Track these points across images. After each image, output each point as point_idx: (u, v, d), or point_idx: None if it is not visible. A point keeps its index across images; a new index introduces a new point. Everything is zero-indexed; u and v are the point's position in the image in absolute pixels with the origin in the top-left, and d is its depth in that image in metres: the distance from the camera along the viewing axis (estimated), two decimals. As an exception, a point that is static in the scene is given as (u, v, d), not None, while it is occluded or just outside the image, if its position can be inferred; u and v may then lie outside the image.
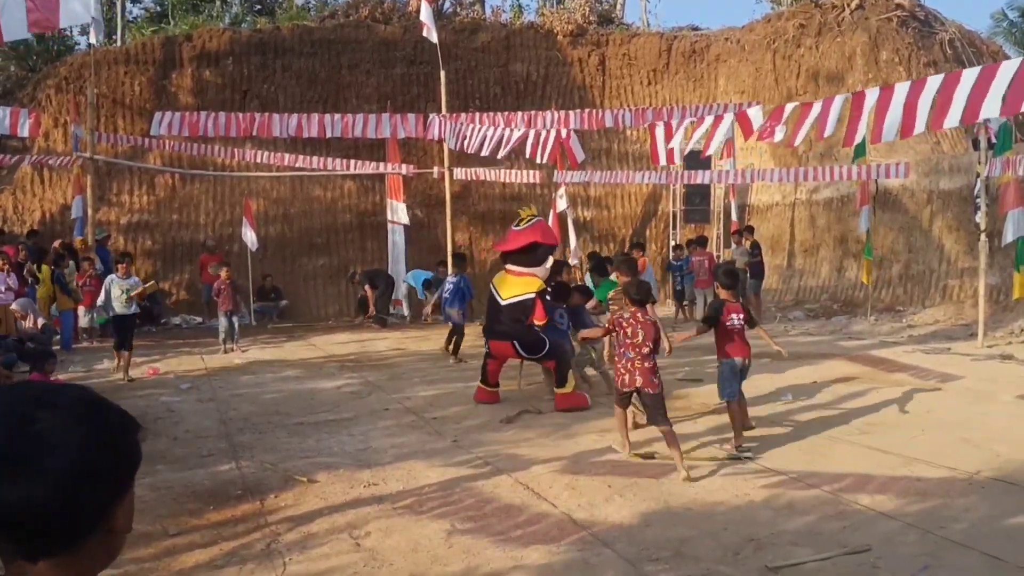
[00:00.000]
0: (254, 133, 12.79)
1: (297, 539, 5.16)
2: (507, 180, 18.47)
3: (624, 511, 5.47)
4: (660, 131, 8.63)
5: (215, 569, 4.75)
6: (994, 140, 12.01)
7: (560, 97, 21.84)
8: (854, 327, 15.21)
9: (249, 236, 18.05)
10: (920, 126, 6.28)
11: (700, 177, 17.90)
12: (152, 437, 7.94)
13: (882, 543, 4.77)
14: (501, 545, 4.95)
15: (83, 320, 15.05)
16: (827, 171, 16.08)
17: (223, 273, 14.02)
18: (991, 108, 5.71)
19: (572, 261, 17.41)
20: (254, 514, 5.67)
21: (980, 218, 12.36)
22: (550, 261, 9.47)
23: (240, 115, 12.95)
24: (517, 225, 9.45)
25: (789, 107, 8.06)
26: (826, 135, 7.30)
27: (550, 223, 18.42)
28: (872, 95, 6.67)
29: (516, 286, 9.09)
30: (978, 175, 12.37)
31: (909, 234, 16.70)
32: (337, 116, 13.22)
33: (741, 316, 7.22)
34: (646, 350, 6.58)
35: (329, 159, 18.54)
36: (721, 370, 7.32)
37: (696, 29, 24.21)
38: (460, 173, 17.00)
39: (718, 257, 19.11)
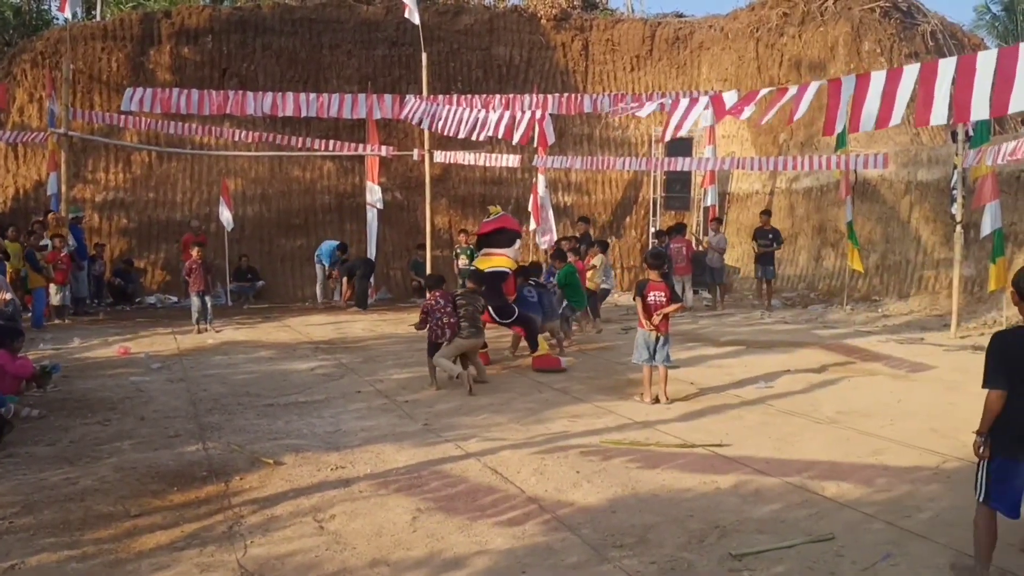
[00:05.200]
0: (228, 111, 12.59)
1: (260, 522, 5.10)
2: (487, 164, 18.36)
3: (591, 496, 5.45)
4: (627, 102, 8.58)
5: (175, 551, 4.69)
6: (971, 132, 12.03)
7: (543, 81, 21.77)
8: (830, 316, 15.27)
9: (225, 216, 17.90)
10: (897, 118, 6.25)
11: (680, 164, 17.85)
12: (119, 417, 7.89)
13: (846, 531, 4.78)
14: (466, 529, 4.91)
15: (54, 298, 14.87)
16: (807, 160, 16.08)
17: (194, 252, 13.89)
18: (980, 109, 5.68)
19: (544, 244, 17.45)
20: (218, 496, 5.60)
21: (956, 210, 12.40)
22: (518, 244, 11.35)
23: (214, 92, 12.74)
24: (487, 218, 11.45)
25: (764, 91, 8.02)
26: (796, 118, 7.25)
27: (530, 207, 18.48)
28: (849, 83, 6.63)
29: (492, 262, 10.80)
30: (955, 167, 12.39)
31: (887, 225, 16.75)
32: (312, 95, 13.03)
33: (663, 294, 8.38)
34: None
35: (308, 139, 18.39)
36: (636, 338, 8.50)
37: (680, 16, 24.19)
38: (440, 156, 16.87)
39: (697, 244, 19.10)
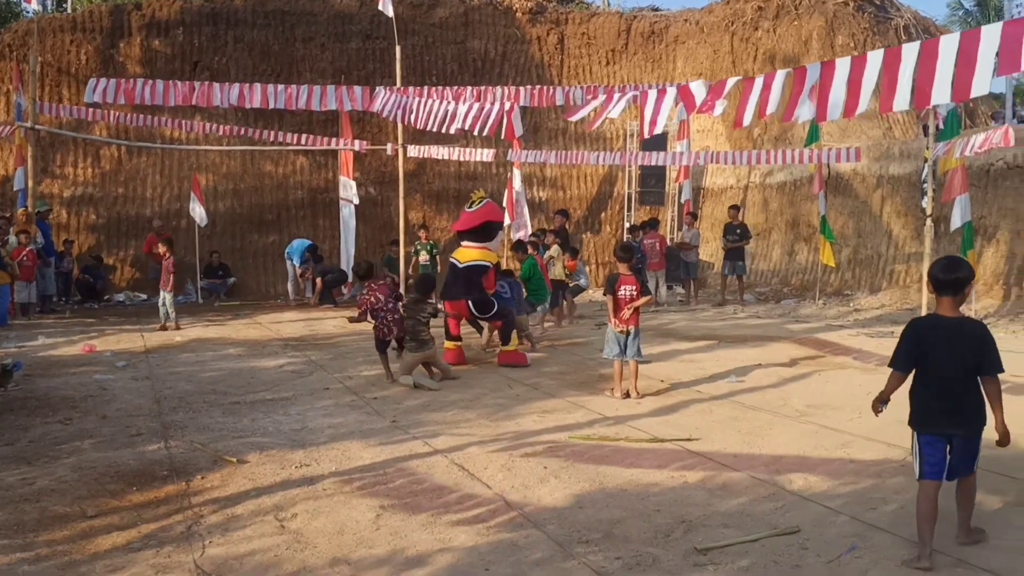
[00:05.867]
0: (194, 102, 12.38)
1: (220, 521, 5.00)
2: (462, 159, 18.27)
3: (558, 493, 5.39)
4: (599, 100, 8.50)
5: (131, 552, 4.58)
6: (942, 126, 12.08)
7: (518, 75, 21.69)
8: (802, 310, 15.32)
9: (197, 211, 17.70)
10: (863, 105, 6.22)
11: (654, 159, 17.84)
12: (80, 416, 7.74)
13: (812, 524, 4.75)
14: (429, 527, 4.84)
15: (20, 296, 14.64)
16: (780, 155, 16.12)
17: (162, 249, 13.72)
18: (941, 94, 5.66)
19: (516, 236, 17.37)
20: (178, 495, 5.49)
21: (926, 203, 12.44)
22: (500, 235, 11.00)
23: (179, 83, 12.51)
24: (470, 207, 10.63)
25: (731, 81, 7.98)
26: (769, 111, 7.20)
27: (505, 203, 18.38)
28: (814, 70, 6.59)
29: (473, 256, 10.35)
30: (926, 160, 12.44)
31: (859, 219, 16.82)
32: (281, 87, 12.84)
33: (633, 288, 8.25)
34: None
35: (281, 134, 18.22)
36: (607, 332, 8.45)
37: (656, 10, 24.18)
38: (414, 150, 16.76)
39: (670, 240, 19.11)
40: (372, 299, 9.42)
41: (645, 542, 4.58)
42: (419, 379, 9.05)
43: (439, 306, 9.93)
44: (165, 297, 13.72)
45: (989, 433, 4.39)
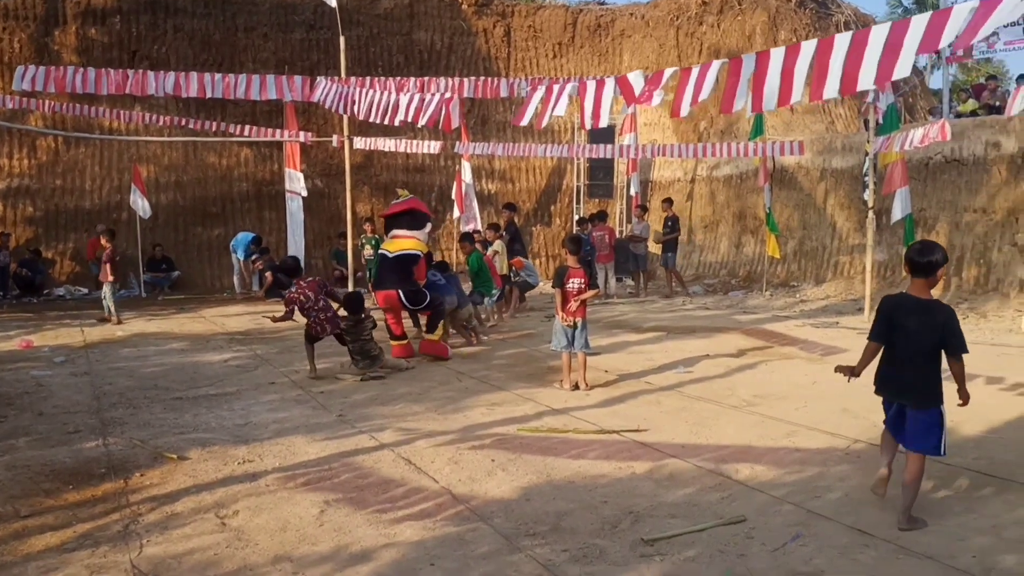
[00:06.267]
0: (128, 91, 12.02)
1: (158, 519, 4.87)
2: (408, 151, 18.11)
3: (505, 485, 5.36)
4: (539, 94, 8.47)
5: (65, 552, 4.44)
6: (881, 120, 12.27)
7: (465, 67, 21.57)
8: (750, 301, 15.49)
9: (139, 203, 17.29)
10: (797, 95, 6.27)
11: (602, 151, 17.88)
12: (15, 413, 7.52)
13: (757, 513, 4.78)
14: (374, 522, 4.77)
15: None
16: (726, 148, 16.25)
17: (104, 241, 13.43)
18: (866, 79, 5.75)
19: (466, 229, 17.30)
20: (116, 493, 5.35)
21: (868, 196, 12.65)
22: (428, 227, 10.76)
23: (113, 71, 12.13)
24: (396, 200, 10.86)
25: (668, 71, 8.00)
26: (701, 98, 7.24)
27: (454, 195, 18.32)
28: (750, 60, 6.63)
29: (403, 244, 10.23)
30: (867, 154, 12.64)
31: (804, 211, 17.06)
32: (219, 76, 12.54)
33: (581, 281, 8.20)
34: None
35: (224, 124, 17.86)
36: (555, 325, 8.39)
37: (602, 3, 24.25)
38: (360, 142, 16.56)
39: (620, 232, 19.21)
40: (301, 297, 9.25)
41: (592, 534, 4.56)
42: (342, 378, 9.02)
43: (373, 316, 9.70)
44: (105, 290, 13.41)
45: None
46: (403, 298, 10.04)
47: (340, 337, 9.38)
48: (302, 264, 11.11)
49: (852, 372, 4.99)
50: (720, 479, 5.42)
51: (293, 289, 9.48)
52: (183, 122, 17.18)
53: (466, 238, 12.87)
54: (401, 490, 5.31)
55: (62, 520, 4.92)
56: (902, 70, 5.54)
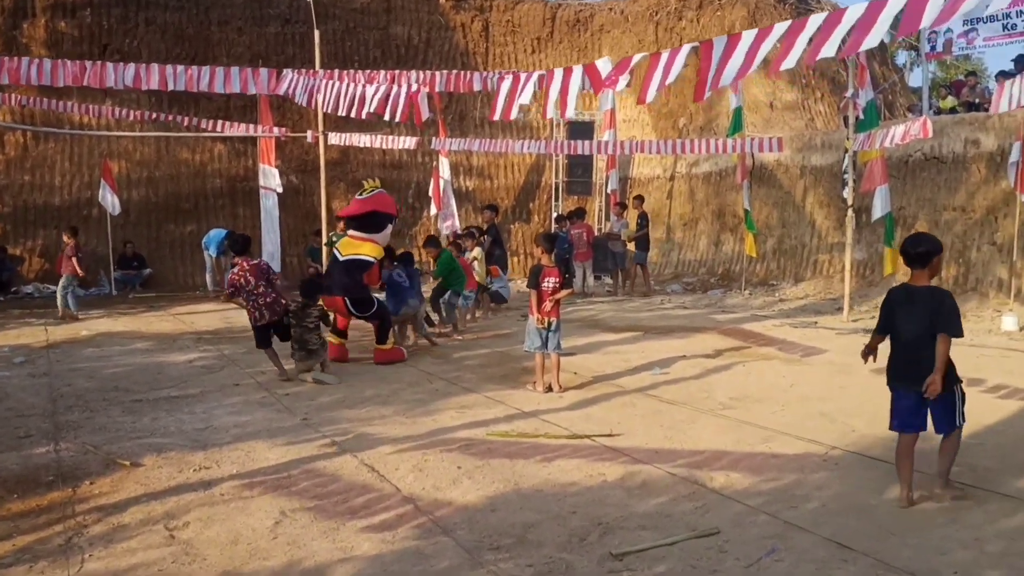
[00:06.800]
0: (86, 82, 11.65)
1: (104, 531, 4.63)
2: (385, 147, 17.85)
3: (471, 494, 5.14)
4: (507, 85, 8.24)
5: (1, 568, 4.19)
6: (862, 116, 12.14)
7: (442, 62, 21.29)
8: (729, 300, 15.34)
9: (109, 199, 16.95)
10: (755, 66, 6.11)
11: (581, 148, 17.69)
12: (-35, 417, 7.22)
13: (732, 525, 4.58)
14: (332, 534, 4.54)
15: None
16: (705, 144, 16.10)
17: (64, 236, 13.21)
18: (830, 49, 5.62)
19: (445, 230, 17.06)
20: (62, 503, 5.09)
21: (847, 194, 12.52)
22: (389, 228, 10.07)
23: (70, 62, 11.74)
24: (360, 195, 10.07)
25: (636, 57, 7.80)
26: (668, 82, 7.05)
27: (431, 192, 18.05)
28: (720, 43, 6.43)
29: (357, 248, 9.69)
30: (846, 151, 12.50)
31: (783, 209, 16.93)
32: (180, 68, 12.19)
33: (556, 280, 7.98)
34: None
35: (197, 119, 17.54)
36: (528, 325, 8.17)
37: (581, -2, 24.03)
38: (335, 138, 16.28)
39: (598, 229, 19.04)
40: (241, 280, 8.89)
41: (559, 547, 4.35)
42: (317, 375, 8.72)
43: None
44: (60, 281, 13.25)
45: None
46: (348, 305, 9.56)
47: (280, 327, 9.02)
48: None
49: (870, 351, 5.18)
50: (694, 487, 5.22)
51: (235, 270, 9.09)
52: (155, 116, 16.84)
53: (430, 243, 12.52)
54: (362, 499, 5.08)
55: (2, 532, 4.67)
56: (871, 42, 5.44)
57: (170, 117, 17.39)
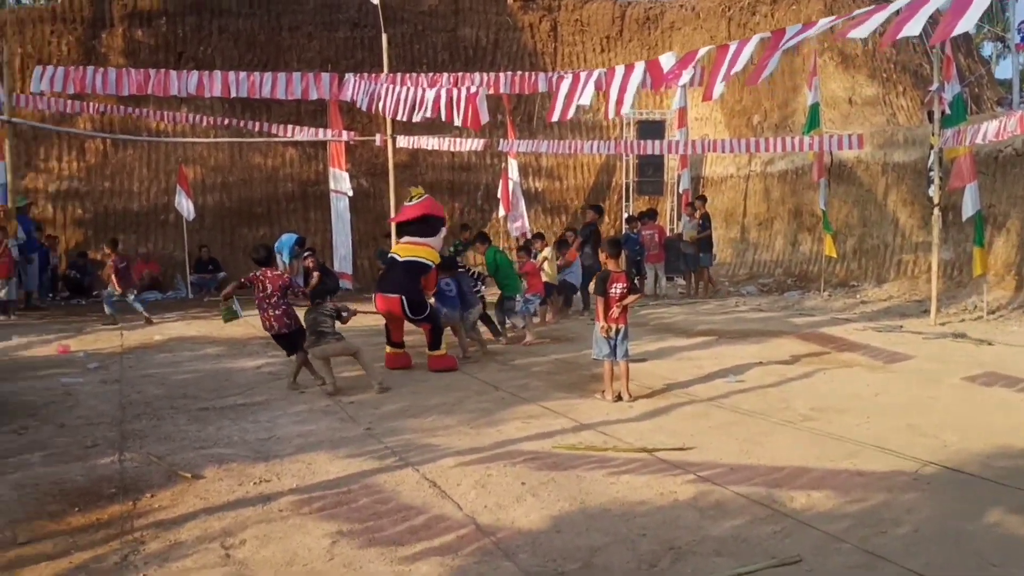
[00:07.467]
0: (149, 91, 11.83)
1: (160, 549, 4.53)
2: (454, 149, 17.75)
3: (534, 514, 4.91)
4: (566, 84, 7.99)
5: (56, 587, 4.13)
6: (948, 111, 11.54)
7: (511, 63, 21.15)
8: (807, 303, 14.82)
9: (184, 205, 17.28)
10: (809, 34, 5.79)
11: (651, 147, 17.32)
12: (37, 424, 7.30)
13: (814, 552, 4.26)
14: (388, 557, 4.36)
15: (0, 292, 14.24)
16: (780, 142, 15.60)
17: (106, 250, 13.59)
18: (915, 27, 5.26)
19: (515, 232, 16.89)
20: (121, 517, 5.03)
21: (933, 192, 11.93)
22: (443, 232, 10.18)
23: (133, 71, 11.95)
24: (409, 201, 10.18)
25: (703, 50, 7.49)
26: (734, 71, 6.73)
27: (500, 194, 17.90)
28: (792, 31, 6.10)
29: (415, 252, 9.78)
30: (931, 147, 11.92)
31: (863, 207, 16.30)
32: (243, 74, 12.29)
33: (623, 285, 7.76)
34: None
35: (269, 125, 17.72)
36: (595, 332, 7.91)
37: (651, -5, 23.60)
38: (403, 141, 16.25)
39: (670, 230, 18.65)
40: (259, 285, 8.82)
41: (628, 574, 4.10)
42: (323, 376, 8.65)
43: (352, 308, 9.14)
44: (110, 291, 13.84)
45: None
46: (406, 306, 9.45)
47: (289, 340, 8.95)
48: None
49: None
50: (773, 508, 4.90)
51: (258, 272, 9.01)
52: (227, 122, 17.06)
53: (479, 239, 12.35)
54: (422, 518, 4.90)
55: (60, 548, 4.61)
56: (965, 25, 5.08)
57: (242, 123, 17.59)
